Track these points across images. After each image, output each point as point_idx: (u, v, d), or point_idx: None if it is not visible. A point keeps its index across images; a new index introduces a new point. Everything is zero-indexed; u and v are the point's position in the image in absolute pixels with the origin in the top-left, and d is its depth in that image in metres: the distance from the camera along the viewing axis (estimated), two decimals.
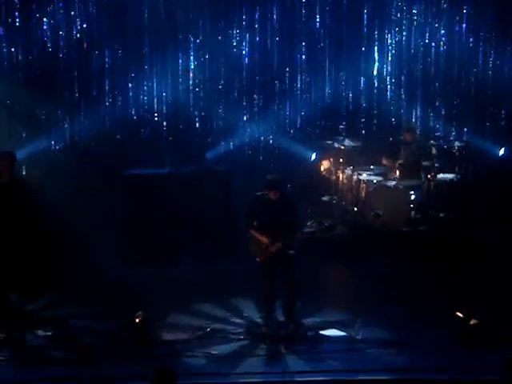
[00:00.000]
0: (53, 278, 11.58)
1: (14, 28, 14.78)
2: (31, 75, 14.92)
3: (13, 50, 14.83)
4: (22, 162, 14.05)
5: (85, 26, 14.99)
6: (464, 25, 15.64)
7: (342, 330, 9.83)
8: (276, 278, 9.96)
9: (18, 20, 14.76)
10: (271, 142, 15.87)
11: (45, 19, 14.85)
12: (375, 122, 15.98)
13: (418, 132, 15.12)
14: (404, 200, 13.69)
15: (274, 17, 15.59)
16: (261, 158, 15.74)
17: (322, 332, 9.78)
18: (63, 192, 13.26)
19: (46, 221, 11.31)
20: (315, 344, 9.55)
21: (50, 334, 9.73)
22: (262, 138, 15.86)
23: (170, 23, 15.25)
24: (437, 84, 15.86)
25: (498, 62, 15.65)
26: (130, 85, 15.33)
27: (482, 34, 15.62)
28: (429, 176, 14.00)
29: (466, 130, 15.56)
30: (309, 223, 13.67)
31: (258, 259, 9.93)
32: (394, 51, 15.80)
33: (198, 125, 15.70)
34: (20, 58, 14.90)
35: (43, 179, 13.33)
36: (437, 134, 15.55)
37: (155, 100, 15.52)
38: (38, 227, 10.68)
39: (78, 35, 14.98)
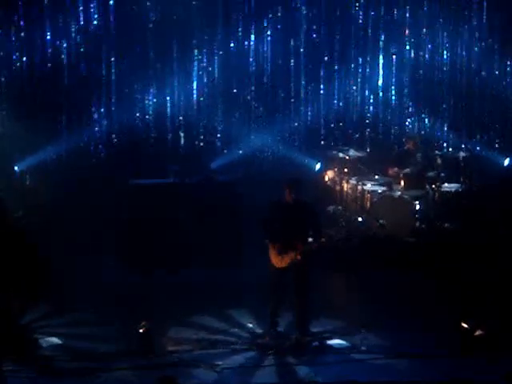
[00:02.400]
0: (55, 287, 11.62)
1: (15, 37, 14.88)
2: (34, 83, 14.99)
3: (14, 59, 14.94)
4: (25, 173, 14.17)
5: (88, 35, 15.08)
6: (470, 34, 15.68)
7: (345, 340, 9.79)
8: (286, 287, 9.89)
9: (16, 29, 14.87)
10: (276, 152, 15.89)
11: (43, 29, 14.96)
12: (380, 132, 16.01)
13: (422, 142, 15.09)
14: (409, 210, 13.66)
15: (279, 28, 15.65)
16: (266, 168, 15.74)
17: (326, 342, 9.74)
18: (66, 200, 13.37)
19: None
20: (319, 354, 9.51)
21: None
22: (267, 148, 15.88)
23: (175, 32, 15.31)
24: (442, 94, 15.89)
25: (505, 72, 15.68)
26: (135, 95, 15.39)
27: (488, 43, 15.65)
28: (433, 186, 13.97)
29: (471, 139, 15.55)
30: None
31: (275, 266, 9.82)
32: (399, 61, 15.84)
33: (203, 135, 15.76)
34: (21, 66, 14.99)
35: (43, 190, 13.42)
36: (442, 143, 15.56)
37: (160, 110, 15.56)
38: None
39: (82, 45, 15.07)
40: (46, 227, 13.09)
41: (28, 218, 12.46)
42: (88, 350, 9.64)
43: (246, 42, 15.62)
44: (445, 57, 15.83)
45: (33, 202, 13.56)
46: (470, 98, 15.87)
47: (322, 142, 15.92)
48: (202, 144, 15.71)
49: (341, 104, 15.96)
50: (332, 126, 15.97)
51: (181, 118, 15.61)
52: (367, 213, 13.97)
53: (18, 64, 14.96)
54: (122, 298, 11.37)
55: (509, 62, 15.74)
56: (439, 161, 14.27)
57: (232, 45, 15.57)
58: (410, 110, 15.95)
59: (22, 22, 14.84)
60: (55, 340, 9.86)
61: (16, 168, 14.29)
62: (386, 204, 13.73)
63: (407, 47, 15.79)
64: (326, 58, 15.80)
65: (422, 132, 15.85)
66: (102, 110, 15.31)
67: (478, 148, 15.39)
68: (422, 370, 9.08)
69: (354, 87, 15.89)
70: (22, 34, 14.89)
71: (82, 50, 15.08)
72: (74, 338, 9.99)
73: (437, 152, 14.65)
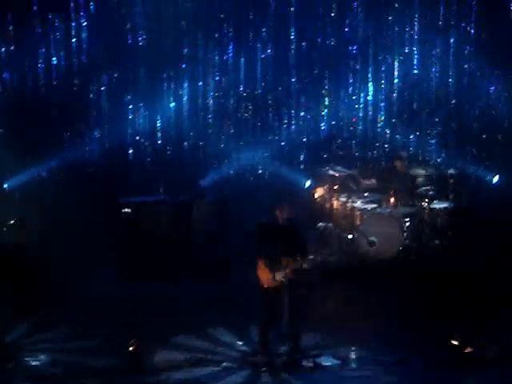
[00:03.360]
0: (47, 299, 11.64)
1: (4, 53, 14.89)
2: (24, 101, 15.00)
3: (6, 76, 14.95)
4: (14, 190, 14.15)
5: (79, 52, 15.12)
6: (459, 52, 15.79)
7: (336, 357, 9.77)
8: (278, 306, 9.88)
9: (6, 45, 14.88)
10: (265, 169, 15.92)
11: (33, 46, 14.98)
12: (369, 149, 16.07)
13: (411, 160, 15.14)
14: (398, 228, 13.69)
15: (270, 45, 15.73)
16: (255, 186, 15.75)
17: (317, 359, 9.73)
18: (62, 216, 13.37)
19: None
20: (310, 371, 9.49)
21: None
22: (257, 165, 15.91)
23: (165, 50, 15.36)
24: (432, 112, 15.97)
25: (495, 90, 15.78)
26: (125, 113, 15.42)
27: (478, 61, 15.76)
28: (423, 204, 14.00)
29: (460, 157, 15.61)
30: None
31: (265, 286, 9.81)
32: (389, 79, 15.92)
33: (192, 153, 15.79)
34: (14, 83, 15.00)
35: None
36: (431, 161, 15.61)
37: (150, 128, 15.59)
38: None
39: (72, 62, 15.10)
40: (34, 243, 13.13)
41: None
42: (77, 367, 9.57)
43: (236, 61, 15.68)
44: (434, 74, 15.91)
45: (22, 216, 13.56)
46: (460, 116, 15.95)
47: (312, 160, 15.95)
48: (191, 162, 15.73)
49: (331, 122, 16.02)
50: (322, 143, 16.00)
51: (172, 135, 15.64)
52: (357, 230, 13.98)
53: (9, 81, 14.97)
54: (111, 314, 11.33)
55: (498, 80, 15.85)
56: (428, 178, 14.34)
57: (222, 64, 15.62)
58: (400, 127, 16.01)
59: (12, 38, 14.87)
60: (43, 356, 9.80)
61: (5, 185, 14.27)
62: (375, 221, 13.76)
63: (397, 64, 15.87)
64: (315, 76, 15.86)
65: (411, 150, 15.90)
66: (93, 127, 15.34)
67: (467, 166, 15.43)
68: None
69: (344, 105, 15.96)
70: (12, 51, 14.90)
71: (72, 67, 15.10)
72: (62, 354, 9.93)
73: (426, 170, 14.70)
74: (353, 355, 9.75)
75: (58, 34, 15.04)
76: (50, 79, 15.12)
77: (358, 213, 14.11)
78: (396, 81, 15.94)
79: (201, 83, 15.65)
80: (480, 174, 15.37)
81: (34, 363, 9.62)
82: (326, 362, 9.70)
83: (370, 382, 9.27)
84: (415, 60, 15.87)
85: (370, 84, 15.92)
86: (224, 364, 9.68)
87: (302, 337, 9.93)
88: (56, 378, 9.24)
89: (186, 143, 15.74)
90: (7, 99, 14.99)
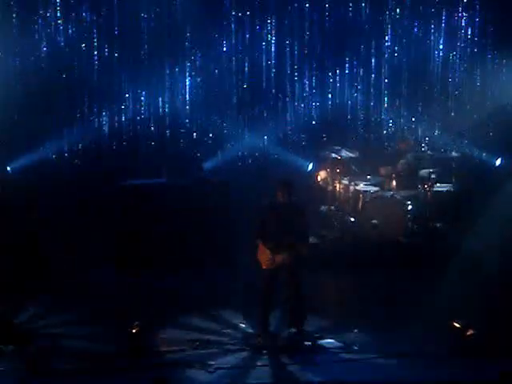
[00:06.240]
0: (48, 286, 11.65)
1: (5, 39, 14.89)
2: (27, 85, 14.99)
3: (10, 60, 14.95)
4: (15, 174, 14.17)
5: (77, 37, 15.11)
6: (460, 34, 15.76)
7: (338, 340, 9.82)
8: (276, 287, 9.91)
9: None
10: (269, 152, 15.93)
11: (32, 31, 14.97)
12: (372, 132, 16.06)
13: (414, 142, 15.15)
14: (400, 210, 13.70)
15: (270, 28, 15.70)
16: (258, 169, 15.77)
17: (318, 342, 9.77)
18: (61, 201, 13.37)
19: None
20: (311, 353, 9.53)
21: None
22: (260, 148, 15.92)
23: (167, 35, 15.34)
24: (434, 94, 15.96)
25: (497, 73, 15.75)
26: (127, 96, 15.42)
27: (481, 43, 15.74)
28: (425, 186, 14.02)
29: (463, 140, 15.60)
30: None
31: (264, 267, 9.85)
32: (390, 61, 15.89)
33: (195, 135, 15.80)
34: (16, 69, 15.00)
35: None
36: (433, 144, 15.62)
37: (153, 111, 15.58)
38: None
39: (73, 47, 15.10)
40: (35, 227, 13.14)
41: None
42: (80, 350, 9.61)
43: (238, 43, 15.66)
44: (437, 58, 15.89)
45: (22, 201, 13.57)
46: (462, 99, 15.94)
47: (314, 143, 15.96)
48: (195, 144, 15.75)
49: (333, 103, 16.02)
50: (325, 126, 16.01)
51: (174, 118, 15.64)
52: (359, 213, 14.01)
53: (10, 66, 14.97)
54: (112, 299, 11.35)
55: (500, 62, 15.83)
56: (431, 161, 14.34)
57: (224, 45, 15.60)
58: (402, 110, 16.00)
59: (12, 26, 14.87)
60: (46, 340, 9.83)
61: (8, 168, 14.30)
62: (378, 204, 13.77)
63: (400, 48, 15.84)
64: (318, 59, 15.85)
65: (414, 132, 15.91)
66: (95, 110, 15.36)
67: (469, 148, 15.43)
68: (413, 370, 9.10)
69: (347, 88, 15.95)
70: (13, 37, 14.90)
71: (72, 51, 15.09)
72: (65, 338, 9.95)
73: (429, 152, 14.71)
74: (355, 339, 9.79)
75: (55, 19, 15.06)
76: (51, 62, 15.11)
77: (360, 196, 14.12)
78: (399, 63, 15.91)
79: (204, 65, 15.63)
80: (483, 156, 15.36)
81: (38, 345, 9.66)
82: (327, 343, 9.75)
83: (370, 363, 9.31)
84: (419, 40, 15.85)
85: (373, 65, 15.90)
86: (226, 346, 9.73)
87: (303, 317, 9.97)
88: (58, 360, 9.28)
89: (188, 126, 15.75)
90: (9, 83, 14.99)
